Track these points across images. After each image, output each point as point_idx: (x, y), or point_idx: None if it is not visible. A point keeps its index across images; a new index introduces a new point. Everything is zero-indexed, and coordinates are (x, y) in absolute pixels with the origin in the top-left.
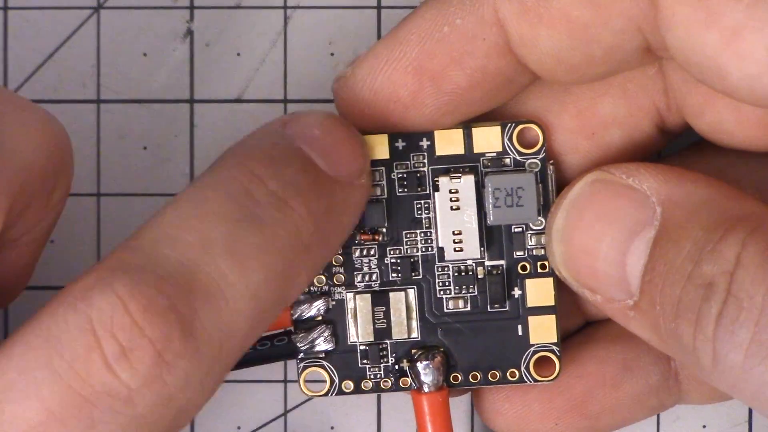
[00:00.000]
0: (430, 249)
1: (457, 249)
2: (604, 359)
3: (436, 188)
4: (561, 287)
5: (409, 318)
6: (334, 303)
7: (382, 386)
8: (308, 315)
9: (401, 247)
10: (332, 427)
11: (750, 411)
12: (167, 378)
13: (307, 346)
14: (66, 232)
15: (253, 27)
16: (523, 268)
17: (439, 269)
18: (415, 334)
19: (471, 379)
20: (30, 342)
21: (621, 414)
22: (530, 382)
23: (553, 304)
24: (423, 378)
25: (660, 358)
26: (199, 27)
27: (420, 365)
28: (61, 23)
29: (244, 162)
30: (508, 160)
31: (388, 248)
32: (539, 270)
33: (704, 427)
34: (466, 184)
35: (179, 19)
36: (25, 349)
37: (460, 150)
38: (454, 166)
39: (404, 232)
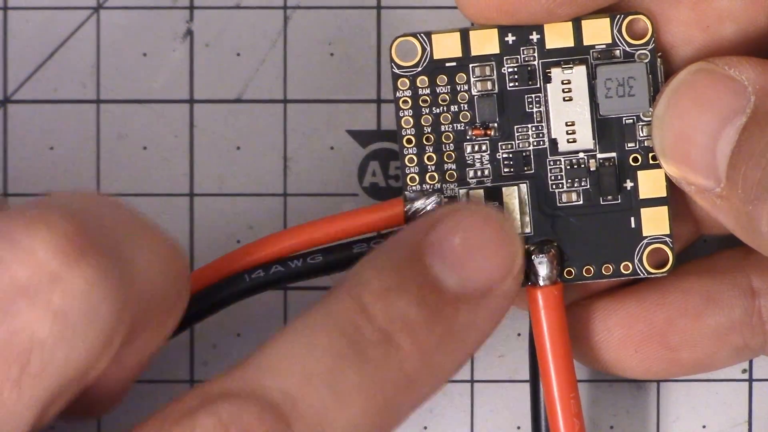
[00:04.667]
0: (541, 143)
1: (570, 140)
2: (688, 290)
3: (548, 79)
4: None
5: (522, 213)
6: (446, 200)
7: None
8: (422, 212)
9: (513, 142)
10: None
11: (750, 411)
12: None
13: None
14: None
15: (253, 27)
16: (635, 159)
17: (552, 162)
18: (528, 229)
19: (584, 273)
20: None
21: (702, 348)
22: (644, 274)
23: (665, 195)
24: (538, 271)
25: (744, 294)
26: (199, 27)
27: (535, 258)
28: (61, 23)
29: (356, 293)
30: (617, 52)
31: (499, 143)
32: (651, 161)
33: (704, 427)
34: (578, 74)
35: (179, 19)
36: None
37: (569, 43)
38: (564, 58)
39: (516, 127)
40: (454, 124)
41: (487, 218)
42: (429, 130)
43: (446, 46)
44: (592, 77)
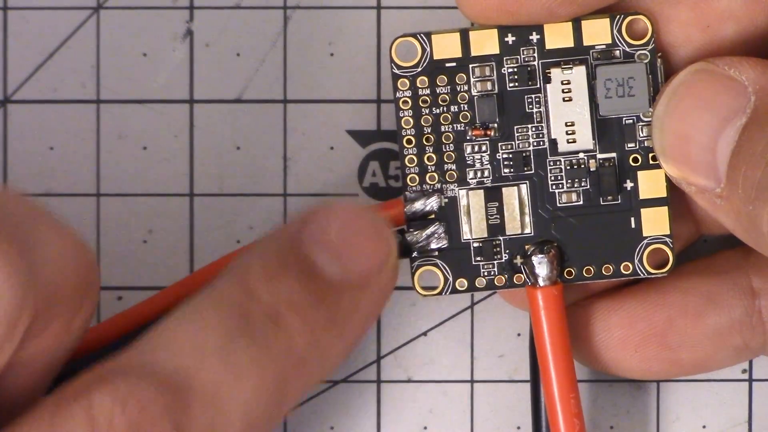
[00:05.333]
0: (541, 143)
1: (570, 140)
2: (688, 290)
3: (547, 80)
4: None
5: (522, 213)
6: (446, 200)
7: (496, 283)
8: (422, 213)
9: (513, 142)
10: (332, 428)
11: (750, 411)
12: None
13: (422, 244)
14: None
15: (253, 27)
16: (635, 159)
17: (552, 163)
18: (528, 230)
19: (584, 274)
20: None
21: (702, 348)
22: (644, 274)
23: (665, 195)
24: (538, 271)
25: (744, 294)
26: (199, 27)
27: (535, 259)
28: (61, 23)
29: (241, 277)
30: (617, 52)
31: (499, 143)
32: (651, 162)
33: (704, 427)
34: (578, 74)
35: (179, 19)
36: None
37: (569, 43)
38: (564, 59)
39: (516, 127)
40: (454, 125)
41: (358, 214)
42: (429, 131)
43: (446, 47)
44: (591, 77)
